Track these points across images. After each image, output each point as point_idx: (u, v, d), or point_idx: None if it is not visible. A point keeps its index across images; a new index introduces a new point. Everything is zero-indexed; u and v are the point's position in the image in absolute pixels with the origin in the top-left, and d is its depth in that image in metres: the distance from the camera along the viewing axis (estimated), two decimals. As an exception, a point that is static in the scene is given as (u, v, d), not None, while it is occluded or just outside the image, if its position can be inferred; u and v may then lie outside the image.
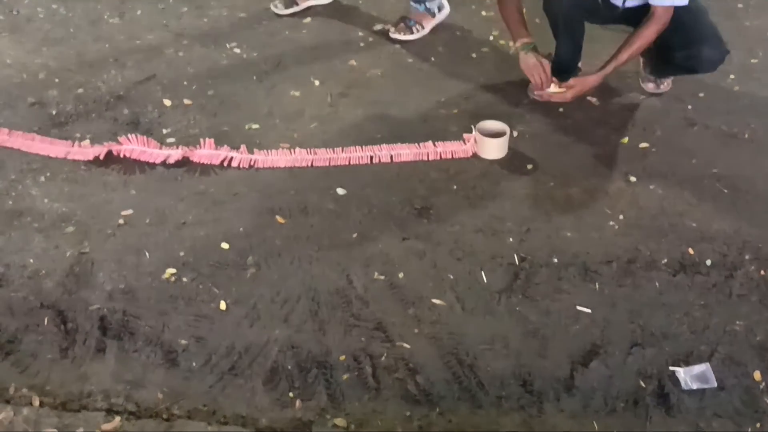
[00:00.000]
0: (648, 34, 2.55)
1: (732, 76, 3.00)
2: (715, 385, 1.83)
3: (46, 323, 2.02)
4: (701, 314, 2.03)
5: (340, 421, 1.78)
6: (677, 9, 2.51)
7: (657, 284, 2.12)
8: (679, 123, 2.76)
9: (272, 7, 3.46)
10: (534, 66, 2.69)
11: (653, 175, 2.51)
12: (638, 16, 2.58)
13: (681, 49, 2.69)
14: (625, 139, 2.67)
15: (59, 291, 2.11)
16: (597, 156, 2.60)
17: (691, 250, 2.21)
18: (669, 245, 2.24)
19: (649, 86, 2.90)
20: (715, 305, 2.05)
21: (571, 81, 2.70)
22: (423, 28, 3.29)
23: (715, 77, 2.95)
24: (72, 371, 1.90)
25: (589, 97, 2.88)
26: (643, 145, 2.64)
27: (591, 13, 2.70)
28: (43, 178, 2.51)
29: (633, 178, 2.49)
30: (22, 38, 3.32)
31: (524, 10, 2.77)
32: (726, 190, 2.44)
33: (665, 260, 2.18)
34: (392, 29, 3.28)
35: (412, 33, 3.26)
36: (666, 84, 2.90)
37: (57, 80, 3.02)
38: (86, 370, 1.90)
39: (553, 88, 2.71)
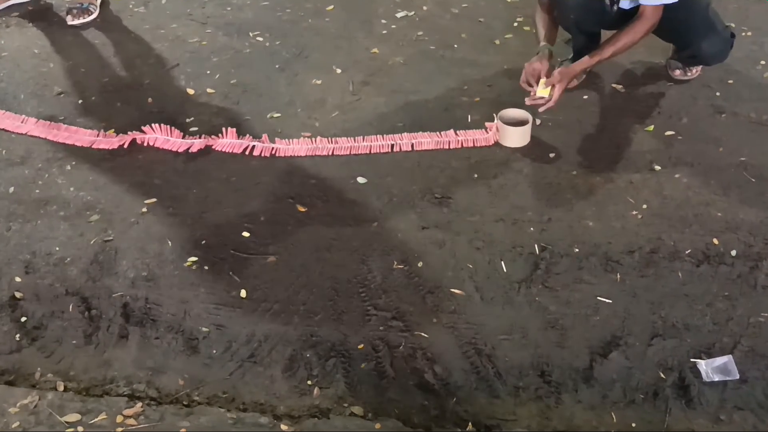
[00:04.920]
0: (635, 33, 2.48)
1: (762, 62, 2.93)
2: (737, 377, 1.81)
3: (70, 310, 2.06)
4: (725, 306, 2.00)
5: (357, 409, 1.80)
6: (669, 8, 2.46)
7: (680, 275, 2.09)
8: (706, 110, 2.71)
9: None
10: (530, 64, 2.55)
11: (678, 163, 2.47)
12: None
13: (683, 48, 2.74)
14: (651, 127, 2.63)
15: (84, 278, 2.15)
16: (621, 144, 2.57)
17: (715, 241, 2.18)
18: (693, 235, 2.20)
19: (677, 73, 2.85)
20: (739, 297, 2.02)
21: (556, 74, 2.50)
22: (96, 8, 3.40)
23: (744, 64, 2.90)
24: (95, 357, 1.94)
25: (614, 84, 2.84)
26: (669, 133, 2.60)
27: (600, 18, 2.64)
28: (68, 167, 2.55)
29: (658, 167, 2.46)
30: (48, 28, 3.36)
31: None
32: (753, 180, 2.39)
33: (689, 250, 2.15)
34: (69, 18, 3.33)
35: (90, 14, 3.35)
36: (694, 71, 2.84)
37: (83, 70, 3.07)
38: (109, 357, 1.94)
39: (540, 87, 2.52)
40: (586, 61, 2.54)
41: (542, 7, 2.70)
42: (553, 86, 2.49)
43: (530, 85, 2.56)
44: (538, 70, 2.55)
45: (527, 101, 2.54)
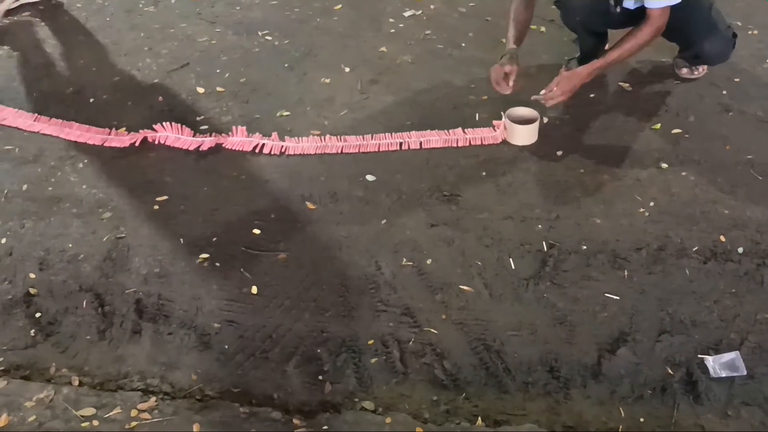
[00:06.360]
0: (642, 36, 2.48)
1: (769, 61, 2.95)
2: (745, 373, 1.82)
3: (84, 306, 2.09)
4: (732, 302, 2.01)
5: (368, 404, 1.82)
6: (671, 8, 2.45)
7: (687, 272, 2.10)
8: (713, 108, 2.72)
9: None
10: (498, 72, 2.56)
11: (686, 161, 2.48)
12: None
13: (685, 48, 2.77)
14: (658, 125, 2.64)
15: (97, 275, 2.17)
16: (628, 142, 2.58)
17: (722, 238, 2.19)
18: (700, 232, 2.21)
19: (684, 71, 2.86)
20: (746, 293, 2.03)
21: (556, 80, 2.53)
22: None
23: (751, 62, 2.91)
24: (109, 352, 1.97)
25: (621, 83, 2.85)
26: (676, 131, 2.61)
27: (606, 19, 2.64)
28: (81, 165, 2.58)
29: (665, 165, 2.47)
30: (60, 27, 3.39)
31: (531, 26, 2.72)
32: (760, 177, 2.40)
33: (696, 248, 2.16)
34: None
35: None
36: (701, 69, 2.85)
37: (94, 69, 3.09)
38: (123, 352, 1.97)
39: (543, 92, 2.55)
40: (591, 66, 2.54)
41: (521, 1, 2.65)
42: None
43: (502, 86, 2.56)
44: (508, 70, 2.54)
45: (533, 98, 2.56)
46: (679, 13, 2.48)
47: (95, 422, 1.77)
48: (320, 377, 1.88)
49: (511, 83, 2.56)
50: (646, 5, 2.46)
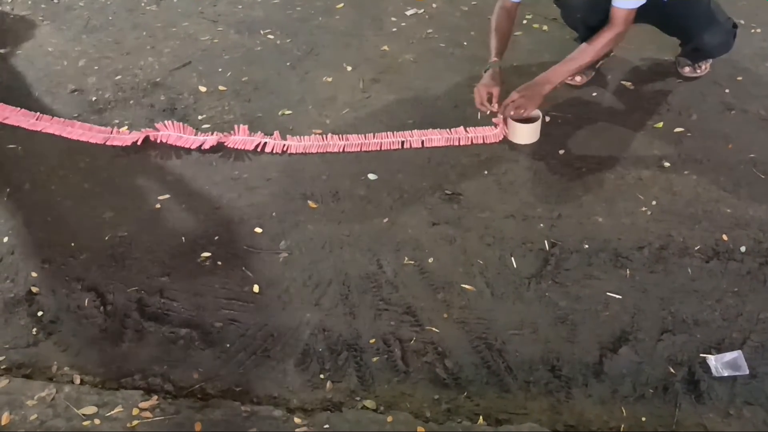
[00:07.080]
0: (601, 40, 2.45)
1: (772, 59, 2.94)
2: (747, 372, 1.82)
3: (86, 304, 2.09)
4: (734, 301, 2.01)
5: (369, 403, 1.82)
6: (669, 3, 2.44)
7: (689, 271, 2.10)
8: (716, 107, 2.71)
9: None
10: (484, 86, 2.54)
11: (688, 160, 2.48)
12: (650, 14, 2.51)
13: (686, 42, 2.76)
14: (660, 124, 2.63)
15: (99, 273, 2.18)
16: (630, 141, 2.57)
17: (725, 237, 2.18)
18: (703, 231, 2.21)
19: (686, 70, 2.85)
20: (749, 292, 2.03)
21: (516, 92, 2.50)
22: None
23: (753, 61, 2.91)
24: (111, 351, 1.97)
25: (623, 81, 2.85)
26: (679, 129, 2.60)
27: (606, 15, 2.62)
28: (82, 164, 2.58)
29: (667, 164, 2.46)
30: (62, 26, 3.40)
31: (513, 33, 2.72)
32: (762, 176, 2.40)
33: (698, 247, 2.16)
34: None
35: None
36: (704, 68, 2.85)
37: (96, 67, 3.10)
38: (125, 350, 1.97)
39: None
40: (550, 74, 2.52)
41: (504, 12, 2.65)
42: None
43: (487, 107, 2.56)
44: (491, 90, 2.53)
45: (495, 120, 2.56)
46: (678, 7, 2.48)
47: (97, 421, 1.78)
48: (321, 376, 1.88)
49: (494, 104, 2.55)
50: (613, 4, 2.42)
